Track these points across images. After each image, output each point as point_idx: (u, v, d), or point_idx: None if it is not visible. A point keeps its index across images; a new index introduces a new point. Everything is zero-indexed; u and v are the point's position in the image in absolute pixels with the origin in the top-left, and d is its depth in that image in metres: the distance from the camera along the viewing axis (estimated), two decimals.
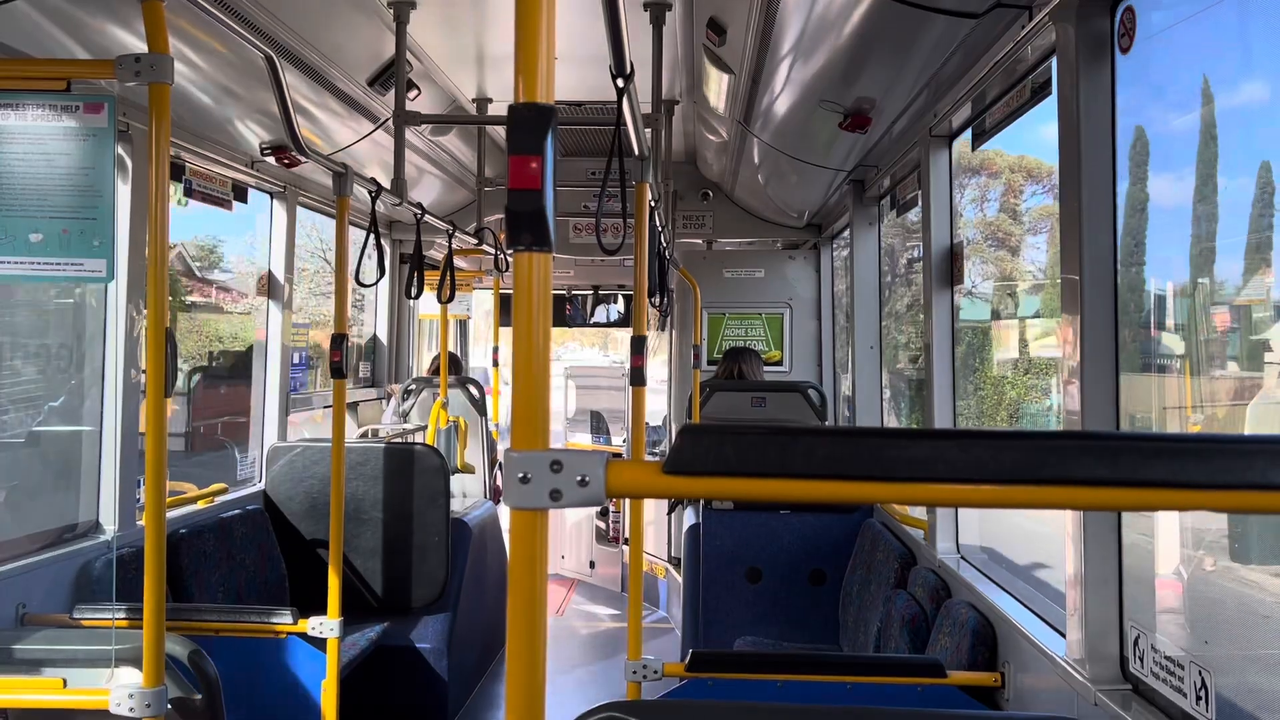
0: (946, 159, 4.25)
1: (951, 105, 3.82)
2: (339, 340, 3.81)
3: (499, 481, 7.52)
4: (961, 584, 3.73)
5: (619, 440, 10.36)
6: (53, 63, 2.59)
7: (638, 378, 3.48)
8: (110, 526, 3.97)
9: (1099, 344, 2.63)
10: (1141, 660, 2.48)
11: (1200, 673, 2.22)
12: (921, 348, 4.39)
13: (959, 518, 4.18)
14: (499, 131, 6.41)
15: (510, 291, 1.17)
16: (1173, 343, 3.16)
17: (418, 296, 5.23)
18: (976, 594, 3.51)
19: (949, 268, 4.23)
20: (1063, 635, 2.85)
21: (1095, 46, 2.64)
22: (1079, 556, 2.67)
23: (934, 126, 4.10)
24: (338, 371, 3.81)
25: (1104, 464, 1.06)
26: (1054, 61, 2.88)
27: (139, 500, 4.05)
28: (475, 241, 6.55)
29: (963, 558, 4.05)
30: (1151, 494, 1.07)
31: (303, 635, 3.64)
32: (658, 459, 1.14)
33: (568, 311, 10.27)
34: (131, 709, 2.43)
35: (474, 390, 7.41)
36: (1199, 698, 2.21)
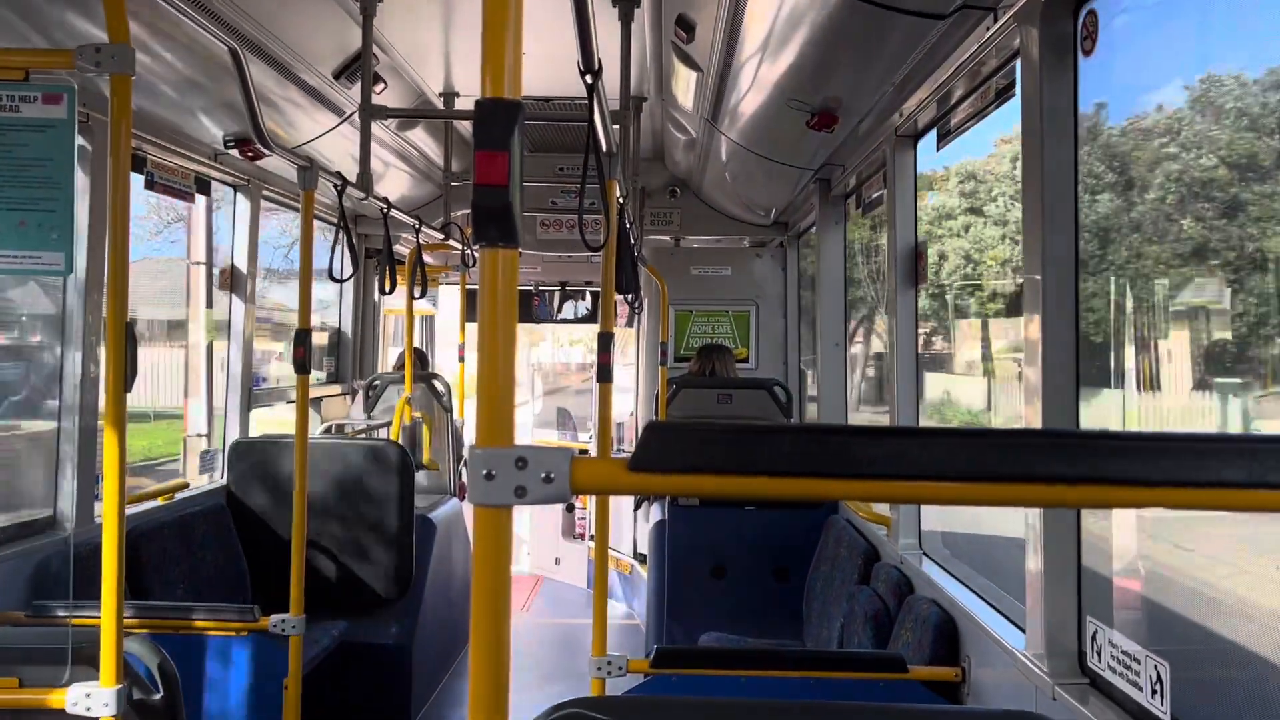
0: (911, 159, 4.28)
1: (917, 106, 3.85)
2: (302, 336, 3.78)
3: (464, 478, 7.50)
4: (924, 580, 3.77)
5: (585, 437, 10.36)
6: (10, 52, 2.54)
7: (604, 374, 3.48)
8: (68, 522, 3.91)
9: (1059, 343, 2.67)
10: (1099, 655, 2.52)
11: (1155, 667, 2.25)
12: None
13: (921, 514, 4.22)
14: (466, 126, 6.38)
15: (477, 287, 1.17)
16: None
17: (391, 291, 5.20)
18: (938, 590, 3.55)
19: (913, 267, 4.26)
20: (1023, 630, 2.89)
21: (1058, 49, 2.67)
22: (1039, 553, 2.70)
23: (900, 127, 4.13)
24: (301, 367, 3.78)
25: (1063, 461, 1.08)
26: (1018, 63, 2.91)
27: (98, 495, 4.00)
28: (442, 237, 6.52)
29: (925, 554, 4.09)
30: (1110, 491, 1.09)
31: (264, 633, 3.61)
32: (623, 456, 1.14)
33: (535, 307, 10.25)
34: (89, 709, 2.39)
35: (439, 386, 7.37)
36: (1154, 691, 2.25)
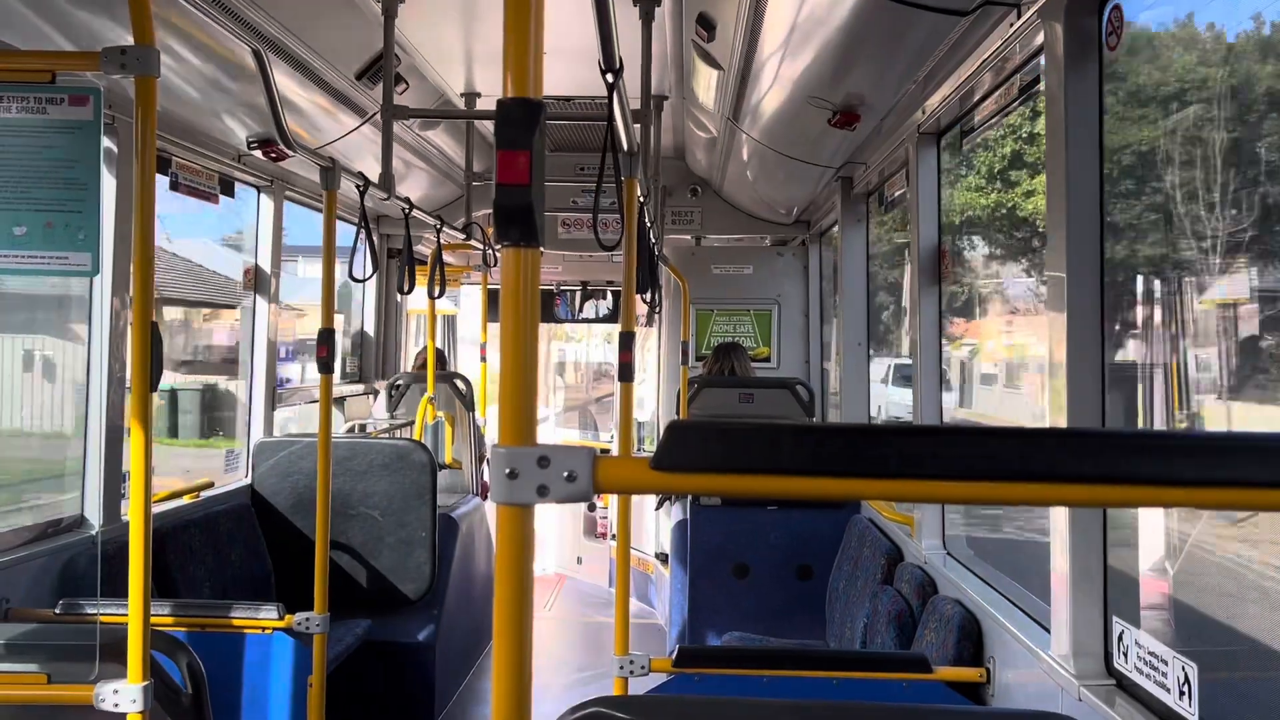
0: (934, 156, 4.26)
1: (940, 103, 3.82)
2: (326, 335, 3.80)
3: (486, 477, 7.52)
4: (947, 580, 3.75)
5: (606, 436, 10.37)
6: (37, 54, 2.57)
7: (626, 373, 3.49)
8: (95, 521, 3.95)
9: (1084, 341, 2.64)
10: (1125, 655, 2.49)
11: (1183, 668, 2.23)
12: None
13: (945, 514, 4.19)
14: (487, 126, 6.39)
15: (498, 287, 1.18)
16: None
17: (410, 291, 5.22)
18: (962, 590, 3.53)
19: (936, 266, 4.24)
20: (1048, 631, 2.87)
21: (1083, 45, 2.64)
22: (1064, 553, 2.68)
23: (922, 124, 4.11)
24: (325, 366, 3.80)
25: (1089, 460, 1.07)
26: (1042, 59, 2.89)
27: (124, 494, 4.03)
28: (463, 237, 6.54)
29: (949, 554, 4.07)
30: (1136, 491, 1.08)
31: (289, 631, 3.63)
32: (645, 455, 1.14)
33: (556, 306, 10.27)
34: (116, 705, 2.42)
35: (461, 385, 7.40)
36: (1182, 693, 2.23)
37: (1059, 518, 2.73)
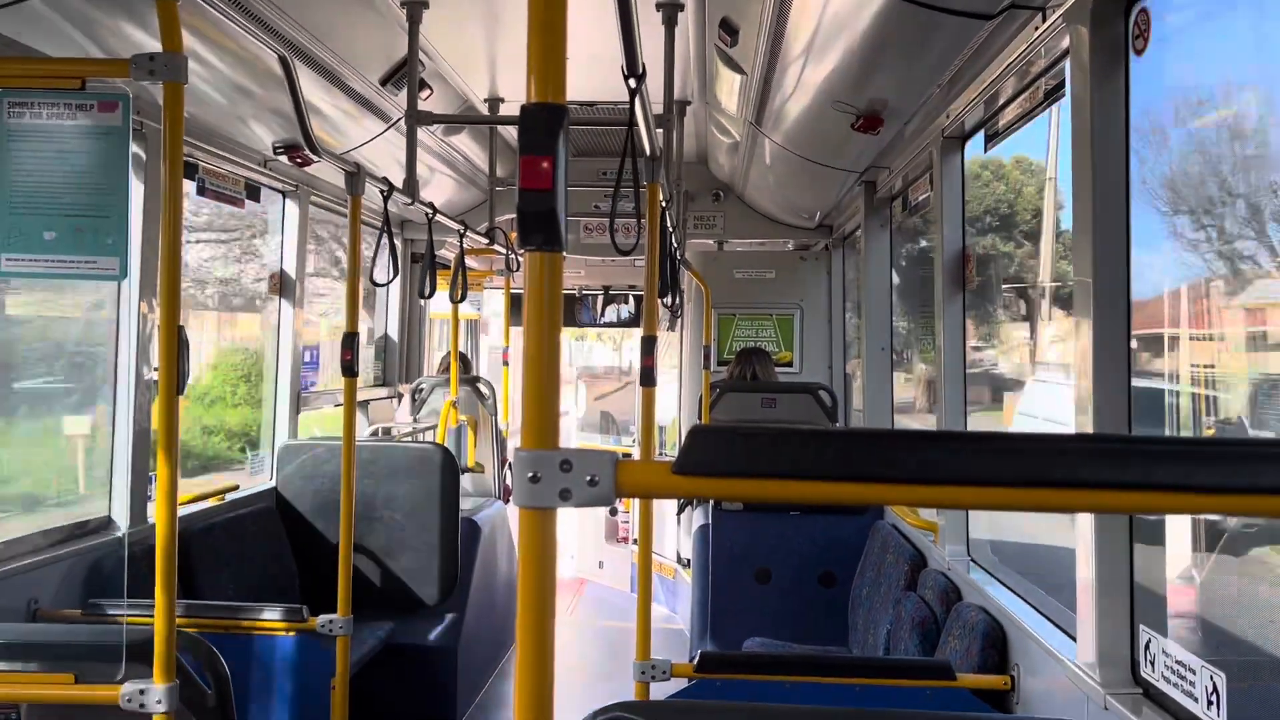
0: (959, 161, 4.24)
1: (964, 107, 3.80)
2: (350, 339, 3.83)
3: (509, 480, 7.54)
4: (972, 587, 3.72)
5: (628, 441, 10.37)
6: (68, 62, 2.61)
7: (647, 378, 3.49)
8: (122, 523, 3.99)
9: (1111, 347, 2.62)
10: (1153, 664, 2.47)
11: (1211, 677, 2.21)
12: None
13: (970, 521, 4.17)
14: (511, 131, 6.41)
15: (521, 291, 1.19)
16: None
17: (430, 295, 5.25)
18: (986, 597, 3.50)
19: (960, 271, 4.22)
20: (1073, 639, 2.84)
21: (1109, 49, 2.62)
22: (1090, 560, 2.66)
23: (946, 128, 4.09)
24: (349, 370, 3.82)
25: (1114, 467, 1.06)
26: (1067, 64, 2.87)
27: (150, 496, 4.07)
28: (486, 241, 6.56)
29: (973, 560, 4.04)
30: (1162, 497, 1.07)
31: (312, 633, 3.65)
32: (667, 459, 1.14)
33: (578, 310, 10.30)
34: (142, 705, 2.44)
35: (484, 389, 7.42)
36: (1210, 702, 2.20)
37: (1085, 525, 2.70)
